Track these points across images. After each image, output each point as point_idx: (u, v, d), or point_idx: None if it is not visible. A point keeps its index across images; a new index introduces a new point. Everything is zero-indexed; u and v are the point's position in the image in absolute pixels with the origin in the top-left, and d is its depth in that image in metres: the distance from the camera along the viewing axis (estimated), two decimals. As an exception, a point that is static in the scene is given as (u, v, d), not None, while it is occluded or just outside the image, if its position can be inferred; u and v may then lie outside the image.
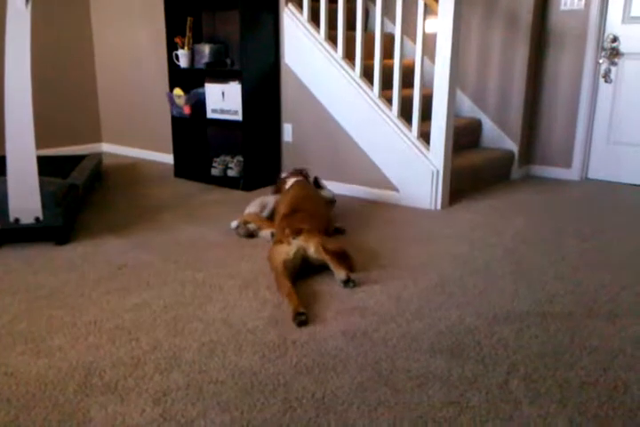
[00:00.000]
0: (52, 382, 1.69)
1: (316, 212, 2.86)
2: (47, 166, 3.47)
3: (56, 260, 2.68)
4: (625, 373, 1.74)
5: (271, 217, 3.06)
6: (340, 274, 2.37)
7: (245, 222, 3.02)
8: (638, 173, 4.12)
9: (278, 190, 3.26)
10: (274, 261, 2.41)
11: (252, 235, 2.99)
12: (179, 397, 1.62)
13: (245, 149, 3.96)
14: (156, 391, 1.65)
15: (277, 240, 2.53)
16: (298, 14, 3.85)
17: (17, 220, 2.76)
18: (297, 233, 2.45)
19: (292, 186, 3.08)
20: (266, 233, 2.94)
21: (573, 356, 1.84)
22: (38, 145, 2.81)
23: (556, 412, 1.55)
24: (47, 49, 4.90)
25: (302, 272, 2.45)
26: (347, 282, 2.36)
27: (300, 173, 3.29)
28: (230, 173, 4.14)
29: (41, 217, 2.78)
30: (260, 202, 3.15)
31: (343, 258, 2.48)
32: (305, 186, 3.07)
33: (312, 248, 2.43)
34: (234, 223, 3.05)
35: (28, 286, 2.38)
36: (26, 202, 2.74)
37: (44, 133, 4.62)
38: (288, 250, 2.42)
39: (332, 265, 2.40)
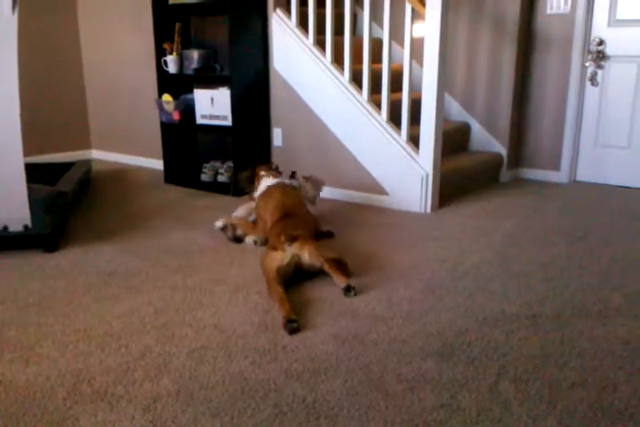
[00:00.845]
0: (41, 390, 1.68)
1: (306, 216, 2.87)
2: (36, 174, 3.45)
3: (45, 267, 2.67)
4: (614, 373, 1.75)
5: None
6: (341, 282, 2.36)
7: (232, 225, 3.01)
8: (626, 175, 4.15)
9: (252, 180, 3.22)
10: (267, 267, 2.40)
11: (239, 239, 2.99)
12: (169, 403, 1.62)
13: (235, 155, 3.96)
14: (145, 398, 1.64)
15: (271, 246, 2.52)
16: (286, 19, 3.86)
17: (5, 228, 2.74)
18: (292, 240, 2.43)
19: (272, 189, 3.00)
20: (249, 239, 2.95)
21: (563, 357, 1.85)
22: (26, 152, 2.80)
23: (545, 413, 1.56)
24: (35, 55, 4.88)
25: (294, 279, 2.44)
26: (348, 290, 2.33)
27: (271, 168, 3.24)
28: (220, 178, 4.13)
29: (29, 225, 2.76)
30: (248, 207, 3.15)
31: (339, 265, 2.47)
32: (286, 189, 3.02)
33: (306, 255, 2.41)
34: (219, 223, 3.04)
35: (16, 294, 2.36)
36: (14, 210, 2.73)
37: (32, 140, 4.58)
38: (283, 257, 2.41)
39: (332, 273, 2.39)
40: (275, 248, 2.47)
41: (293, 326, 2.03)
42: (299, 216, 2.76)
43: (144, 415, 1.56)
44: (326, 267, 2.40)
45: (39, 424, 1.52)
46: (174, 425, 1.52)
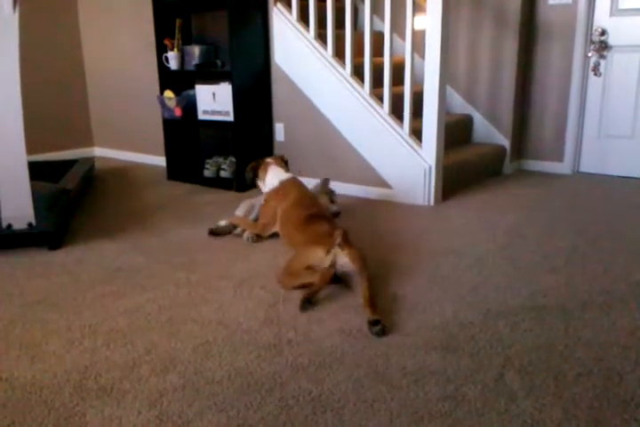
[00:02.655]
0: (47, 387, 1.69)
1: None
2: (39, 172, 3.46)
3: (49, 264, 2.67)
4: (619, 363, 1.75)
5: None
6: (370, 316, 2.03)
7: (233, 225, 3.03)
8: (629, 165, 4.13)
9: (255, 170, 3.13)
10: (303, 259, 2.32)
11: (229, 233, 3.04)
12: (175, 398, 1.62)
13: (238, 150, 3.96)
14: (151, 393, 1.65)
15: (320, 242, 2.35)
16: (287, 13, 3.85)
17: (9, 226, 2.75)
18: (344, 245, 2.28)
19: (288, 184, 2.93)
20: (247, 235, 2.96)
21: (568, 348, 1.85)
22: (29, 150, 2.80)
23: (551, 404, 1.56)
24: (36, 54, 4.88)
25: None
26: (375, 324, 2.00)
27: (280, 159, 3.18)
28: (223, 174, 4.13)
29: (34, 222, 2.77)
30: (248, 204, 3.15)
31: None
32: (302, 185, 2.99)
33: (352, 267, 2.26)
34: (222, 223, 3.06)
35: (21, 292, 2.37)
36: (18, 208, 2.74)
37: (35, 139, 4.59)
38: (324, 259, 2.27)
39: (365, 303, 2.11)
40: (323, 244, 2.31)
41: (307, 305, 2.14)
42: (324, 215, 2.71)
43: (150, 410, 1.57)
44: (363, 298, 2.13)
45: (46, 421, 1.53)
46: (180, 420, 1.53)
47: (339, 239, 2.25)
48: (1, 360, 1.84)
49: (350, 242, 2.33)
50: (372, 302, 2.11)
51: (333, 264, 2.28)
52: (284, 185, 2.96)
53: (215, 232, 3.03)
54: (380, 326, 1.97)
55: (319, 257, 2.28)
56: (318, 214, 2.69)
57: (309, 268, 2.29)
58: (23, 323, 2.09)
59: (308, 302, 2.16)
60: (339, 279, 2.35)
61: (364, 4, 3.55)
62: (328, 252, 2.28)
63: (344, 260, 2.27)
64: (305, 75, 3.86)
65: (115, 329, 2.03)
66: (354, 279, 2.29)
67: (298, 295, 2.22)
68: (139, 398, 1.63)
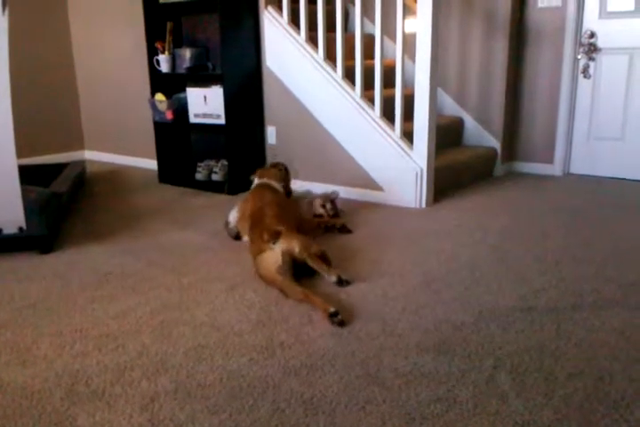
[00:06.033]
0: (38, 392, 1.68)
1: (281, 216, 2.71)
2: (29, 175, 3.44)
3: (40, 269, 2.66)
4: (610, 363, 1.76)
5: None
6: (332, 277, 2.38)
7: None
8: (618, 166, 4.16)
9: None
10: (267, 272, 2.34)
11: (238, 237, 2.99)
12: (167, 401, 1.62)
13: (229, 153, 3.96)
14: (143, 397, 1.64)
15: (258, 250, 2.45)
16: (278, 17, 3.85)
17: (0, 230, 2.74)
18: (276, 236, 2.40)
19: (250, 193, 3.05)
20: (246, 238, 2.95)
21: (559, 348, 1.86)
22: (20, 154, 2.79)
23: (542, 404, 1.57)
24: (26, 56, 4.86)
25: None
26: (340, 283, 2.36)
27: (275, 166, 3.29)
28: (215, 177, 4.13)
29: (24, 227, 2.76)
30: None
31: (324, 259, 2.46)
32: (260, 193, 2.98)
33: (297, 248, 2.38)
34: (232, 221, 3.04)
35: (12, 296, 2.36)
36: (8, 212, 2.72)
37: (25, 142, 4.58)
38: (275, 258, 2.35)
39: (321, 269, 2.40)
40: (262, 250, 2.42)
41: (339, 318, 2.03)
42: (267, 215, 2.66)
43: (142, 414, 1.56)
44: (315, 266, 2.39)
45: (37, 425, 1.52)
46: (172, 424, 1.52)
47: (271, 242, 2.39)
48: (-9, 365, 1.83)
49: (287, 233, 2.44)
50: (322, 262, 2.40)
51: (287, 259, 2.36)
52: (248, 192, 3.10)
53: (236, 235, 3.01)
54: (345, 282, 2.37)
55: (272, 261, 2.35)
56: (256, 219, 2.69)
57: (280, 270, 2.32)
58: (14, 327, 2.08)
59: (334, 316, 2.05)
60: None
61: (355, 7, 3.56)
62: (271, 250, 2.38)
63: (295, 250, 2.37)
64: (296, 78, 3.86)
65: (106, 333, 2.03)
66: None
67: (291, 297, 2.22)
68: (130, 402, 1.62)
